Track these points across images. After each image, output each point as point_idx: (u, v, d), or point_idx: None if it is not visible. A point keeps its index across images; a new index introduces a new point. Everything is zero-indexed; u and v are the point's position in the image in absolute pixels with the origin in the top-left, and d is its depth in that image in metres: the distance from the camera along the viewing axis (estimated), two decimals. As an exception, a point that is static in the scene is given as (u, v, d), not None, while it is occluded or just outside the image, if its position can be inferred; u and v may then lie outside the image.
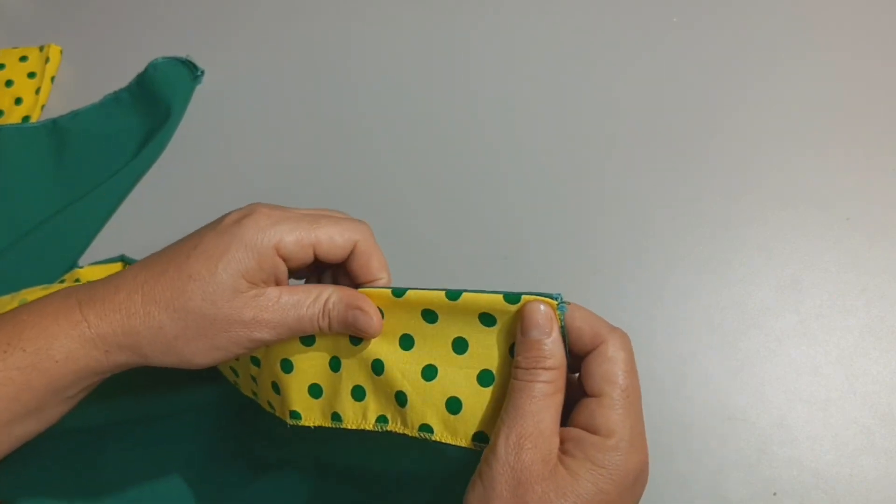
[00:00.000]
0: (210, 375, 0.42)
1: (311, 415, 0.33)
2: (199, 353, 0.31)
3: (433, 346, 0.31)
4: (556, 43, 0.55)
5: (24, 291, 0.45)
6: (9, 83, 0.60)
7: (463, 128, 0.52)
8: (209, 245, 0.31)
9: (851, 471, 0.37)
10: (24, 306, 0.32)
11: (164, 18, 0.63)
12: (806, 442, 0.38)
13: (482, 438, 0.29)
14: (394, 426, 0.31)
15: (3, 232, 0.51)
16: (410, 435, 0.30)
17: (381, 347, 0.31)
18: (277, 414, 0.34)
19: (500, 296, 0.29)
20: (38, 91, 0.59)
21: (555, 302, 0.28)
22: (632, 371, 0.28)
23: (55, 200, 0.52)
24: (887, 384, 0.39)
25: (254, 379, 0.36)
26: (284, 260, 0.32)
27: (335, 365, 0.32)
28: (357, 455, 0.39)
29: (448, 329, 0.30)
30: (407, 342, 0.31)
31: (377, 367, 0.31)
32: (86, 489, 0.40)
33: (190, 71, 0.58)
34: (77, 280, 0.47)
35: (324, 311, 0.31)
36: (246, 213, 0.32)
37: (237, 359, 0.37)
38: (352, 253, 0.33)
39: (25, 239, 0.49)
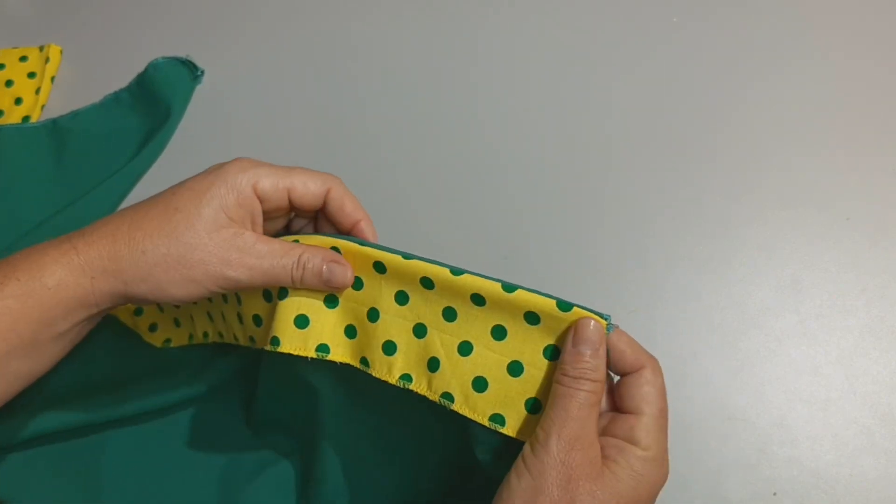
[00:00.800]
0: (208, 371, 0.42)
1: (341, 351, 0.34)
2: (174, 284, 0.33)
3: (473, 325, 0.32)
4: (555, 43, 0.55)
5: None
6: (9, 83, 0.60)
7: (463, 128, 0.52)
8: (194, 183, 0.34)
9: (851, 471, 0.37)
10: (18, 252, 0.34)
11: (164, 18, 0.63)
12: (806, 442, 0.38)
13: (498, 420, 0.31)
14: (417, 387, 0.32)
15: (4, 232, 0.50)
16: (430, 398, 0.32)
17: (426, 313, 0.33)
18: (286, 347, 0.34)
19: (554, 301, 0.30)
20: (38, 91, 0.59)
21: (604, 322, 0.30)
22: (665, 395, 0.31)
23: (55, 200, 0.52)
24: (887, 384, 0.39)
25: (240, 318, 0.38)
26: (261, 201, 0.34)
27: (373, 315, 0.34)
28: (360, 447, 0.39)
29: (491, 315, 0.32)
30: (450, 314, 0.33)
31: (419, 330, 0.33)
32: (86, 488, 0.40)
33: (190, 71, 0.58)
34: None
35: (298, 262, 0.33)
36: (229, 161, 0.35)
37: (210, 300, 0.39)
38: (326, 201, 0.36)
39: (25, 239, 0.49)
